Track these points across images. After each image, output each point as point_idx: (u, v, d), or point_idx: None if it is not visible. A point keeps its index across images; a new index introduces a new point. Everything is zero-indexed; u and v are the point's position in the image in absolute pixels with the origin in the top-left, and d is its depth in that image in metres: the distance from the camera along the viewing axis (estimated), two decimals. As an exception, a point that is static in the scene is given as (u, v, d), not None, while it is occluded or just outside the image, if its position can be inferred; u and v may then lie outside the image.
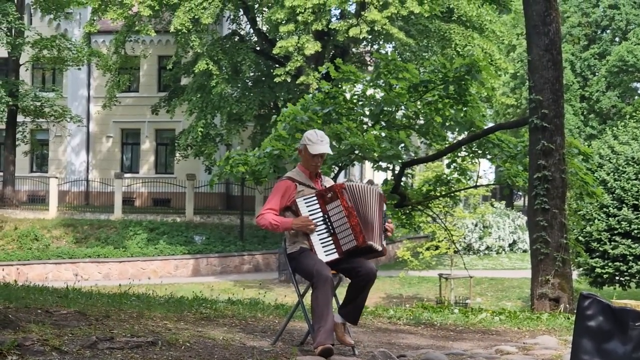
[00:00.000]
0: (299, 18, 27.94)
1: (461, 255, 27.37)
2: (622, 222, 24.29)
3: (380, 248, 5.72)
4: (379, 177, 34.76)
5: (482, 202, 37.54)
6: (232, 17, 34.68)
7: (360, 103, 16.18)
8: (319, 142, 5.83)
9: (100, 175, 40.80)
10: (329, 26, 29.04)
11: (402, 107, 15.83)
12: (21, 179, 39.13)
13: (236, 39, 33.93)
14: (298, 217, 5.66)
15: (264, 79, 33.68)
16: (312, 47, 28.43)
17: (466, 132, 16.23)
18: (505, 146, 15.81)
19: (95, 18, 33.47)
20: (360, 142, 14.54)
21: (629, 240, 24.21)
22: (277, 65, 31.54)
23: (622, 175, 24.74)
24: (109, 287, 12.54)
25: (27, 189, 40.17)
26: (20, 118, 36.34)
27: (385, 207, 5.88)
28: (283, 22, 28.67)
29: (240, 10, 33.67)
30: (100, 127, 41.88)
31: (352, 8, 30.83)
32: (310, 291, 5.63)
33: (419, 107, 15.78)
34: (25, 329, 5.15)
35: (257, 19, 34.45)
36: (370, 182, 5.98)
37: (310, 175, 5.89)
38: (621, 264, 24.31)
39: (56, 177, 37.87)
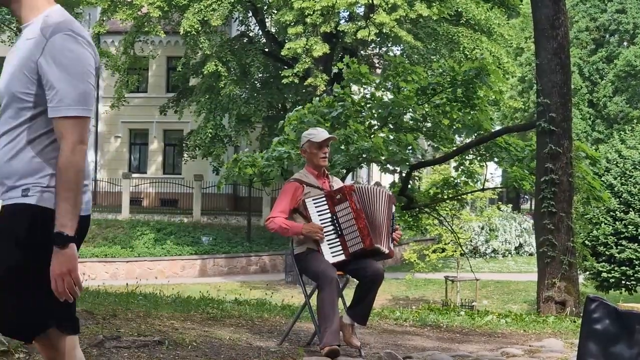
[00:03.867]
0: (308, 20, 27.98)
1: (467, 258, 27.30)
2: (628, 226, 24.25)
3: (386, 250, 5.73)
4: (386, 179, 34.74)
5: (488, 205, 37.49)
6: (241, 18, 34.70)
7: (368, 105, 16.18)
8: (320, 132, 5.89)
9: (108, 175, 40.84)
10: (338, 28, 29.06)
11: (410, 110, 15.84)
12: (29, 178, 39.19)
13: (245, 41, 33.97)
14: (308, 223, 5.67)
15: (272, 80, 33.71)
16: (321, 49, 28.45)
17: (474, 135, 16.22)
18: (512, 149, 15.79)
19: (104, 18, 33.55)
20: (368, 146, 14.54)
21: (636, 244, 24.16)
22: (285, 67, 31.56)
23: (629, 179, 24.72)
24: (116, 287, 12.55)
25: (35, 188, 40.20)
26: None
27: (394, 209, 5.88)
28: (292, 23, 28.69)
29: (249, 12, 33.71)
30: (108, 127, 41.94)
31: (360, 10, 30.83)
32: (317, 292, 5.65)
33: (427, 109, 15.78)
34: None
35: (266, 20, 34.49)
36: (378, 183, 6.01)
37: (318, 176, 5.91)
38: (627, 268, 24.26)
39: (64, 177, 37.83)
